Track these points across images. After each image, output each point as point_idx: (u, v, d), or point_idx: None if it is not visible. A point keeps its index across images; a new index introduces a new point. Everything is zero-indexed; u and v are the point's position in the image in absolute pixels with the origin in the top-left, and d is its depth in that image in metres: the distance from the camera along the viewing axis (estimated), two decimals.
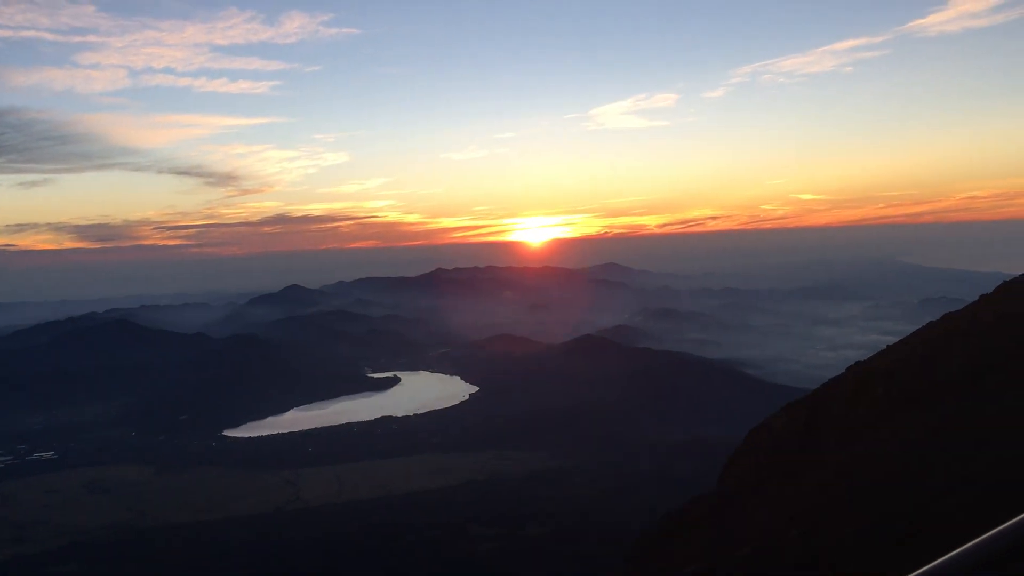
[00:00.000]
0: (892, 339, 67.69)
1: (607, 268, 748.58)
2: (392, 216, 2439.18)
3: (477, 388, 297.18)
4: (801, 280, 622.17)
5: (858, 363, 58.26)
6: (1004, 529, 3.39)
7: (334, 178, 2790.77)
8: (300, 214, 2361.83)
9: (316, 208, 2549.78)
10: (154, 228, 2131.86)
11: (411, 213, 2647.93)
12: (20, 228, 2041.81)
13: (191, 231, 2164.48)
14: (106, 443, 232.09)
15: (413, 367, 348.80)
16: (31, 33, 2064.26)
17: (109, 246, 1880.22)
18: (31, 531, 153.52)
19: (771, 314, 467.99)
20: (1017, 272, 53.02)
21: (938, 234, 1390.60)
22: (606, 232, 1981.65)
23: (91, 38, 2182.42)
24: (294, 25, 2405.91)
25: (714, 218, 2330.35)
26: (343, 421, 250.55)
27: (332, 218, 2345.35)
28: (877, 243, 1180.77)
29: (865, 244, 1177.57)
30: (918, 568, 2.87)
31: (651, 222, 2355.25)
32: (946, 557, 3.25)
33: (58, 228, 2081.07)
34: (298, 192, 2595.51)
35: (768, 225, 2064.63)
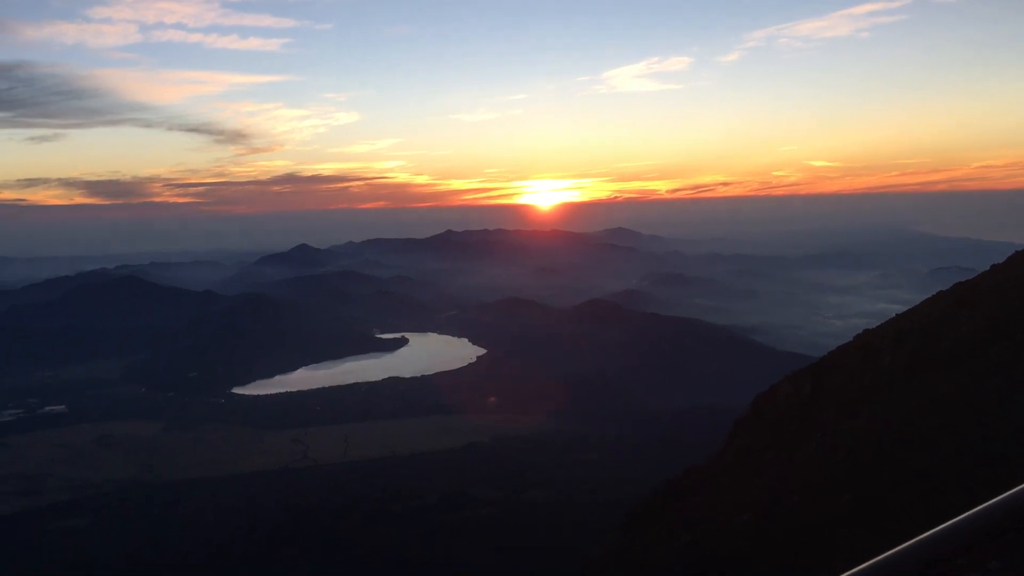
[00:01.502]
0: (901, 308, 67.13)
1: (616, 233, 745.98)
2: (402, 177, 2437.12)
3: (485, 351, 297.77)
4: (811, 247, 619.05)
5: (866, 331, 57.83)
6: (995, 503, 3.37)
7: (344, 138, 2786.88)
8: (310, 174, 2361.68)
9: (326, 168, 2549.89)
10: (164, 185, 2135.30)
11: (421, 174, 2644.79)
12: (30, 183, 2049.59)
13: (201, 189, 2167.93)
14: (115, 399, 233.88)
15: (421, 329, 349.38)
16: None
17: (119, 202, 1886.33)
18: (39, 484, 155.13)
19: (780, 281, 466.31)
20: None
21: (951, 203, 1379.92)
22: (616, 196, 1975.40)
23: None
24: None
25: (725, 184, 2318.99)
26: (351, 381, 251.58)
27: (342, 178, 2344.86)
28: (889, 211, 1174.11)
29: (877, 212, 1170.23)
30: (909, 540, 3.00)
31: (662, 187, 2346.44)
32: (938, 529, 3.26)
33: (68, 184, 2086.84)
34: (308, 151, 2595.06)
35: (779, 192, 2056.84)
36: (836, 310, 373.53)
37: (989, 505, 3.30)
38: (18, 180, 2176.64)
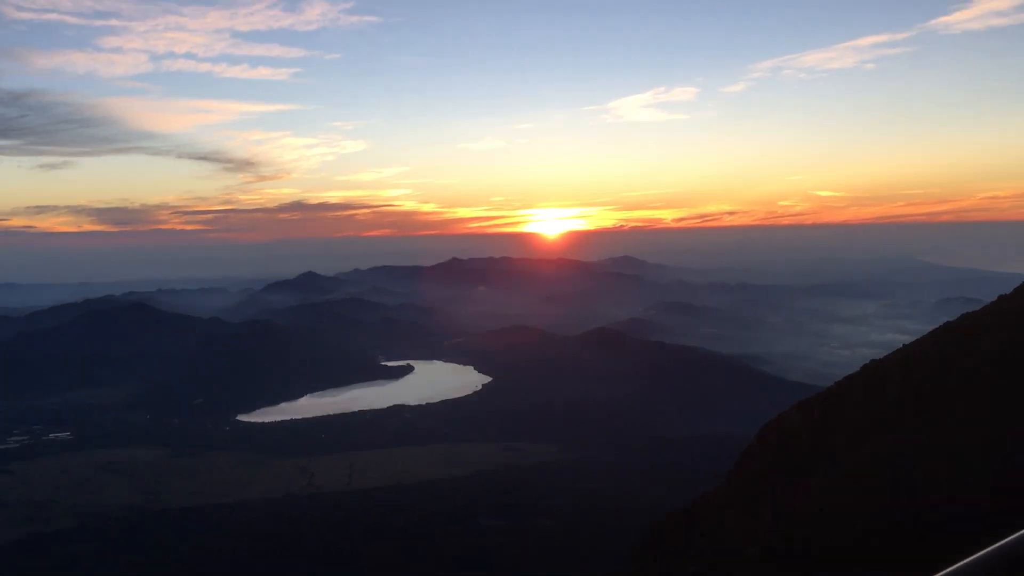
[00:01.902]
0: (908, 338, 67.09)
1: (622, 261, 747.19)
2: (409, 205, 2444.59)
3: (490, 379, 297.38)
4: (817, 277, 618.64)
5: (873, 362, 57.75)
6: (1004, 545, 3.17)
7: (352, 166, 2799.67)
8: (317, 201, 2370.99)
9: (333, 196, 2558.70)
10: (172, 212, 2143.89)
11: (428, 202, 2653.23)
12: (40, 210, 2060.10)
13: (209, 216, 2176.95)
14: (121, 425, 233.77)
15: (427, 356, 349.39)
16: (54, 16, 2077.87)
17: (127, 229, 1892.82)
18: (44, 510, 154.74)
19: (786, 311, 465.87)
20: None
21: (957, 233, 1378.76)
22: (622, 225, 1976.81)
23: (113, 22, 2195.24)
24: (315, 12, 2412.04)
25: (731, 213, 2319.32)
26: (356, 408, 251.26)
27: (349, 206, 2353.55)
28: (895, 241, 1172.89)
29: (883, 242, 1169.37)
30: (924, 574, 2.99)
31: (667, 216, 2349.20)
32: (954, 568, 3.07)
33: (77, 211, 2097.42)
34: (316, 179, 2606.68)
35: (785, 221, 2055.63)
36: (843, 340, 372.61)
37: (1006, 543, 3.12)
38: (27, 207, 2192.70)
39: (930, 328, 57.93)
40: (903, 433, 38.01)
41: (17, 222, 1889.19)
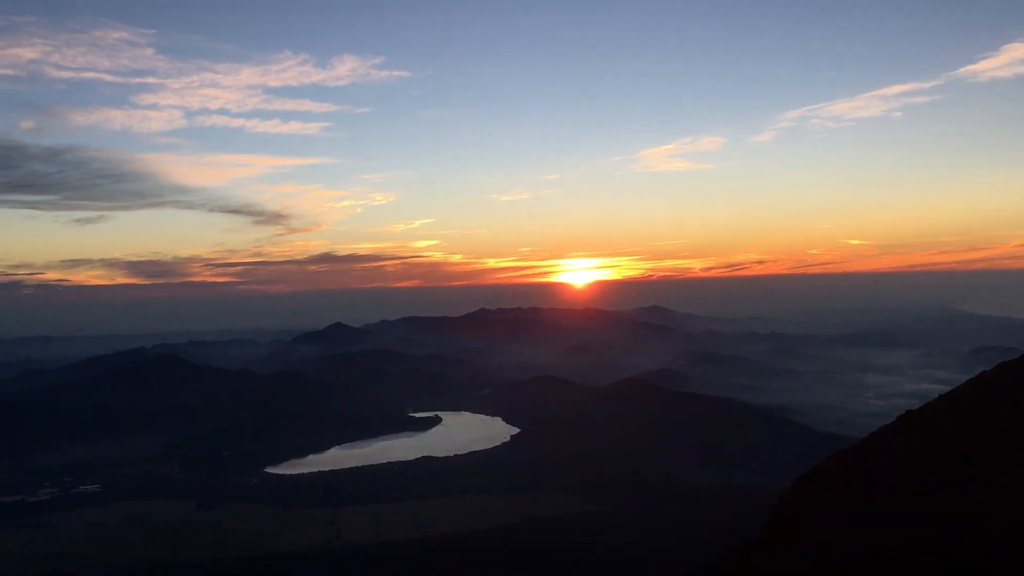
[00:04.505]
0: (943, 388, 65.66)
1: (651, 311, 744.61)
2: (437, 256, 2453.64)
3: (519, 430, 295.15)
4: (849, 326, 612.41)
5: (908, 412, 56.45)
6: None
7: (381, 218, 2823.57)
8: (346, 253, 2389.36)
9: (362, 247, 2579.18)
10: (203, 265, 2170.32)
11: (455, 253, 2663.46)
12: (74, 263, 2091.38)
13: (239, 268, 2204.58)
14: (149, 478, 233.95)
15: (455, 407, 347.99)
16: (91, 75, 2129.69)
17: (160, 282, 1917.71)
18: (68, 563, 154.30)
19: (818, 360, 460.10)
20: None
21: (992, 281, 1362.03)
22: (650, 275, 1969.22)
23: (150, 79, 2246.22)
24: (346, 68, 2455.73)
25: (760, 262, 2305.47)
26: (384, 460, 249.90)
27: (377, 257, 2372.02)
28: (928, 290, 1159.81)
29: (916, 290, 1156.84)
30: None
31: (696, 265, 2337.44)
32: None
33: (111, 264, 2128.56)
34: (345, 231, 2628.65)
35: (815, 270, 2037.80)
36: (876, 390, 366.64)
37: None
38: (62, 261, 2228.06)
39: (965, 378, 56.64)
40: (941, 486, 36.78)
41: (52, 275, 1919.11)
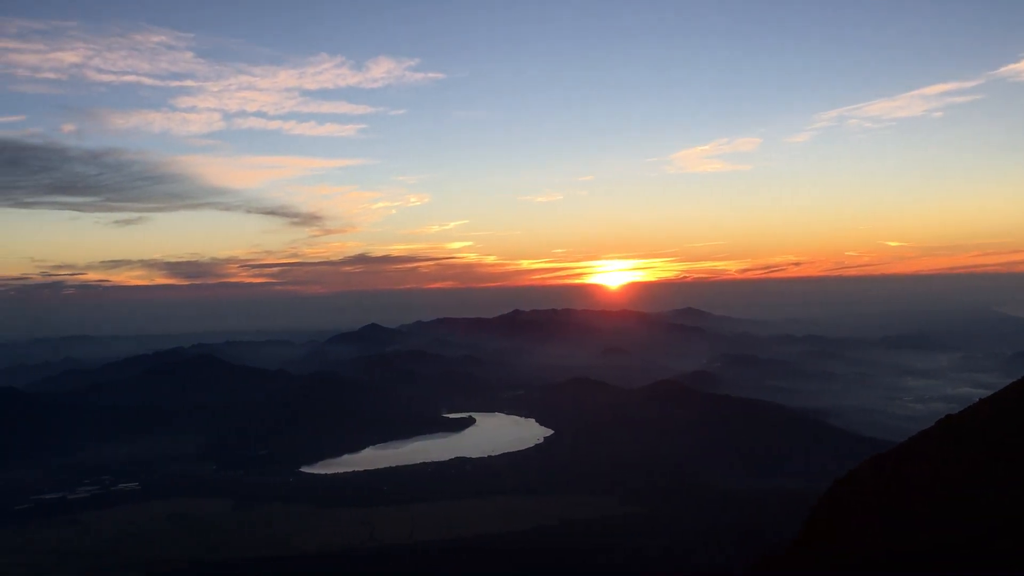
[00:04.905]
0: (985, 392, 64.63)
1: (685, 313, 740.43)
2: (471, 257, 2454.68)
3: (552, 431, 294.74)
4: (888, 329, 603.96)
5: (949, 416, 55.67)
6: None
7: (415, 219, 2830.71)
8: (381, 254, 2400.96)
9: (397, 248, 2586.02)
10: (240, 266, 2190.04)
11: (489, 254, 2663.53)
12: (115, 264, 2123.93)
13: (275, 269, 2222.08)
14: (187, 476, 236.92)
15: (488, 408, 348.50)
16: (132, 78, 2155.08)
17: (197, 283, 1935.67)
18: (107, 561, 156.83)
19: (856, 363, 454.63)
20: None
21: None
22: (684, 276, 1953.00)
23: (189, 83, 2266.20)
24: (381, 70, 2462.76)
25: (796, 264, 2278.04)
26: (418, 461, 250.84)
27: (412, 258, 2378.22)
28: (970, 292, 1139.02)
29: (957, 293, 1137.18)
30: None
31: (731, 267, 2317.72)
32: None
33: (150, 265, 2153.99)
34: (379, 232, 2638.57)
35: (853, 272, 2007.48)
36: (916, 393, 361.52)
37: None
38: (102, 262, 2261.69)
39: (1008, 382, 55.72)
40: (982, 491, 36.19)
41: (92, 276, 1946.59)
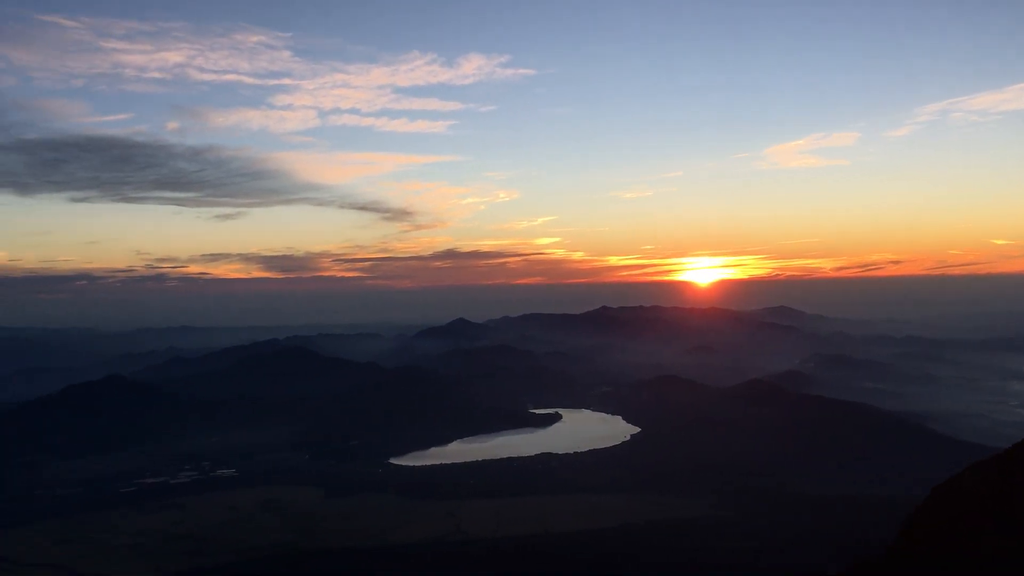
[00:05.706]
0: None
1: (778, 311, 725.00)
2: (559, 253, 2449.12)
3: (639, 429, 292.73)
4: (993, 331, 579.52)
5: None
6: None
7: (504, 215, 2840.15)
8: (469, 249, 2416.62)
9: (485, 244, 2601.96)
10: (333, 260, 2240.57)
11: (577, 251, 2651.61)
12: (215, 257, 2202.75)
13: (367, 264, 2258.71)
14: (281, 464, 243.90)
15: (575, 405, 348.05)
16: (232, 77, 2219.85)
17: (292, 276, 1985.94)
18: (208, 545, 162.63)
19: (957, 366, 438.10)
20: None
21: None
22: (777, 274, 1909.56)
23: (286, 81, 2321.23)
24: (472, 67, 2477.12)
25: (896, 262, 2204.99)
26: (504, 455, 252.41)
27: (500, 254, 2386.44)
28: None
29: None
30: None
31: (826, 265, 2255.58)
32: None
33: (247, 258, 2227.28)
34: (468, 228, 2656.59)
35: (956, 271, 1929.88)
36: (1022, 398, 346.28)
37: None
38: (203, 255, 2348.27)
39: None
40: None
41: (194, 269, 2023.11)
